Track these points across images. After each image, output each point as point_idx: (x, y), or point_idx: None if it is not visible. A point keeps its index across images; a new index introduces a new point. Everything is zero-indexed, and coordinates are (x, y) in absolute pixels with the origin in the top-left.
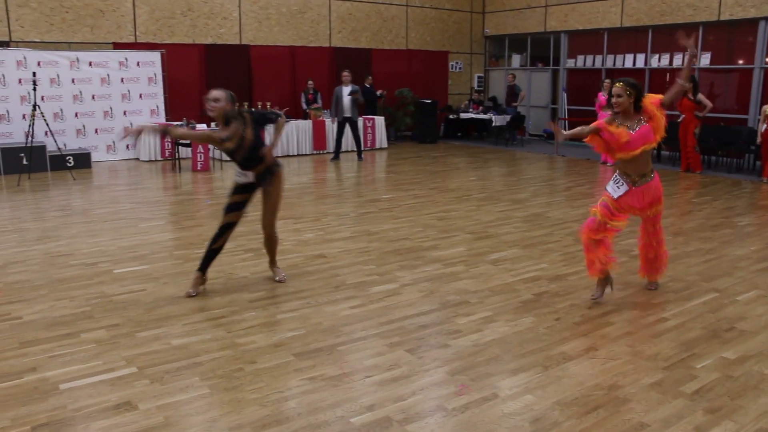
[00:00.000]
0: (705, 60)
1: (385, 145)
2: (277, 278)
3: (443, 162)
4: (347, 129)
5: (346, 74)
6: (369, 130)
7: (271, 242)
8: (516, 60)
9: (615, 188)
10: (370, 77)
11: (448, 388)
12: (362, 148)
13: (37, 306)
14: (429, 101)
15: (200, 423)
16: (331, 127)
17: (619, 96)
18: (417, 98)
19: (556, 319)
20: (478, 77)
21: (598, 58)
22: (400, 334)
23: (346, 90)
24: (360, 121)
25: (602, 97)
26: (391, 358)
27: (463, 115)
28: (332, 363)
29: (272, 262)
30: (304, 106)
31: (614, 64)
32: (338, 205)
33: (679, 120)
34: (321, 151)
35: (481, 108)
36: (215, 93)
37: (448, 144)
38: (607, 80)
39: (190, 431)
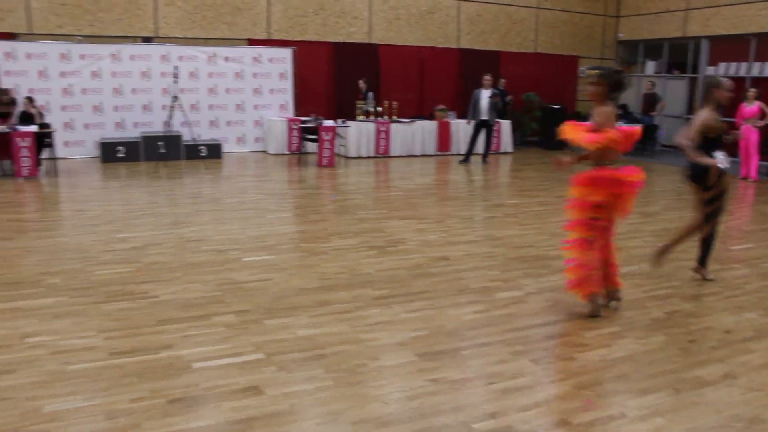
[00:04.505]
0: None
1: (510, 149)
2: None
3: (569, 169)
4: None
5: (487, 78)
6: (495, 133)
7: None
8: (650, 67)
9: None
10: (503, 80)
11: (573, 402)
12: (489, 152)
13: (172, 287)
14: (556, 107)
15: (324, 414)
16: (457, 128)
17: None
18: (544, 103)
19: (690, 341)
20: None
21: (743, 65)
22: (525, 342)
23: (486, 93)
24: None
25: (745, 108)
26: (515, 367)
27: None
28: (455, 366)
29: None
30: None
31: (761, 73)
32: (462, 208)
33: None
34: (445, 153)
35: None
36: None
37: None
38: (752, 90)
39: (313, 421)
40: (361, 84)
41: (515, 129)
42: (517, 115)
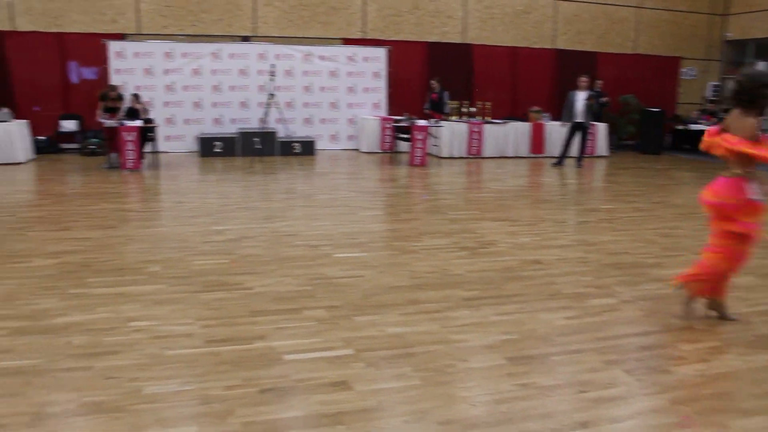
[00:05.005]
0: None
1: (605, 153)
2: None
3: (667, 175)
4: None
5: (584, 79)
6: (590, 136)
7: None
8: (761, 68)
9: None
10: (599, 82)
11: (668, 418)
12: (584, 156)
13: (265, 280)
14: (655, 110)
15: (411, 412)
16: (551, 130)
17: None
18: (642, 106)
19: None
20: (713, 86)
21: None
22: (618, 352)
23: (582, 95)
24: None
25: None
26: (608, 376)
27: (692, 127)
28: (545, 372)
29: None
30: (427, 106)
31: None
32: (555, 212)
33: None
34: (538, 155)
35: (714, 119)
36: None
37: (674, 156)
38: None
39: (400, 419)
40: (434, 84)
41: (611, 132)
42: (614, 117)
